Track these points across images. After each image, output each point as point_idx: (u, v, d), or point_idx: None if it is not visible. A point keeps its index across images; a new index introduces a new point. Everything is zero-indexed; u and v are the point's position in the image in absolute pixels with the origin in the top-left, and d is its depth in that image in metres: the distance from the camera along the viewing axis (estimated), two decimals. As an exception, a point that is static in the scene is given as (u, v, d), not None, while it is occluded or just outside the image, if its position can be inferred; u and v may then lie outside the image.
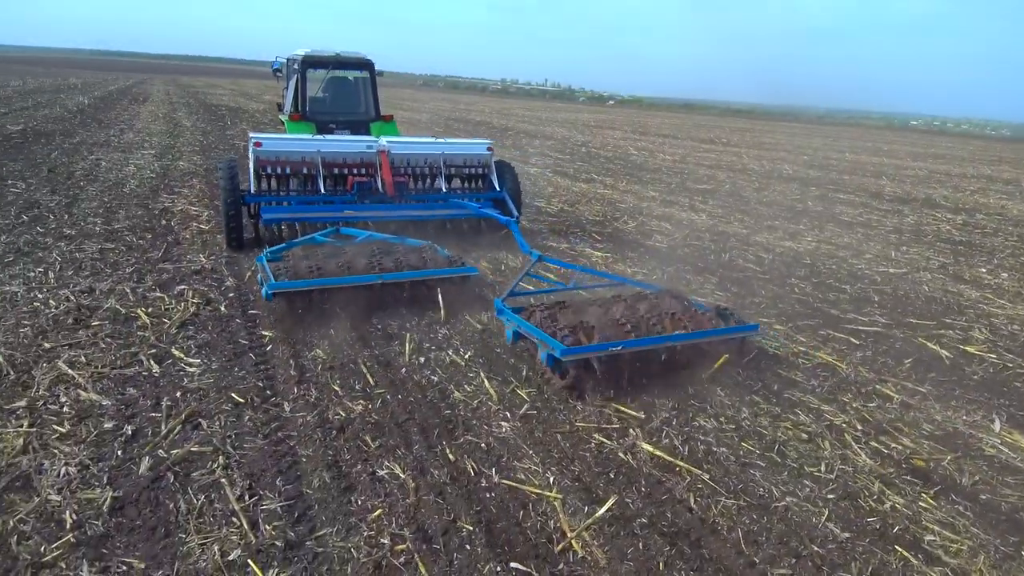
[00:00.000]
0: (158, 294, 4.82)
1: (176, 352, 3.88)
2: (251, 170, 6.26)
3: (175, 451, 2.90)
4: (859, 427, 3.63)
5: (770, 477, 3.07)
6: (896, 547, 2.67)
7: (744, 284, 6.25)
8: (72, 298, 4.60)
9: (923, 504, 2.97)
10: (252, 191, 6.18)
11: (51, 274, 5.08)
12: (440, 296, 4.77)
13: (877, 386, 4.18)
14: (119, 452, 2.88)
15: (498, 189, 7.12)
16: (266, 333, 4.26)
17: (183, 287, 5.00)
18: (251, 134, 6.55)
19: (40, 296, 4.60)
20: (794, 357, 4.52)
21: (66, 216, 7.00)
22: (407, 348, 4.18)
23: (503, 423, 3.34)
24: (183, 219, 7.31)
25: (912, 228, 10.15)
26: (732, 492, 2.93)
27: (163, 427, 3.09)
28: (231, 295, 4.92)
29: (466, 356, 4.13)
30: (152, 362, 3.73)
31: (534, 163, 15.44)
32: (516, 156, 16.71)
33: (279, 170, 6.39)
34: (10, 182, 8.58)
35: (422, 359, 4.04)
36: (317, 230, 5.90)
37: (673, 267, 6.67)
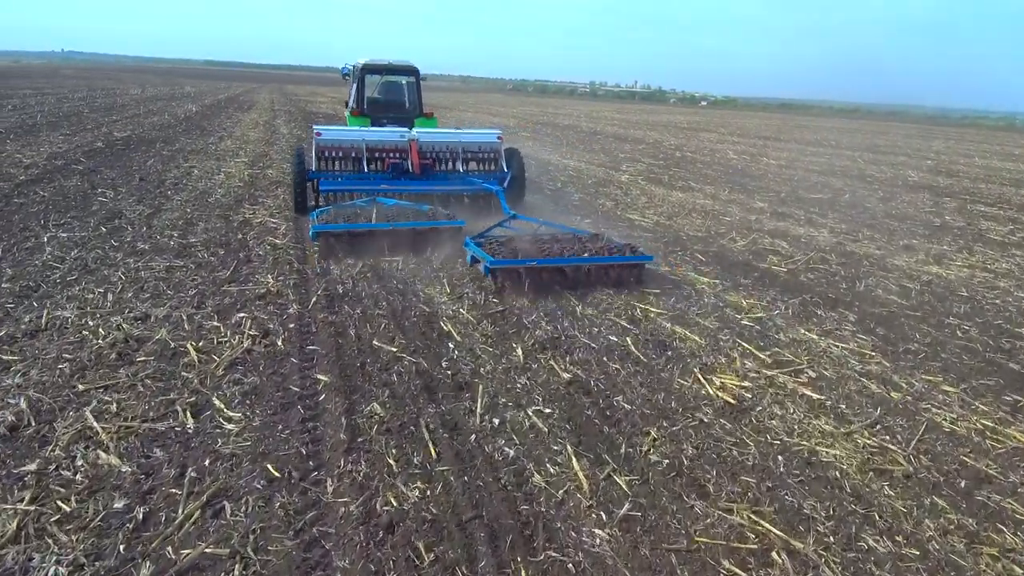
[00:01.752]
0: (215, 323, 4.38)
1: (217, 402, 3.36)
2: (314, 154, 8.06)
3: (185, 552, 2.32)
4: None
5: (988, 648, 2.12)
6: None
7: (891, 324, 5.13)
8: (123, 327, 4.22)
9: None
10: (314, 169, 8.02)
11: (110, 296, 4.77)
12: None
13: (1106, 484, 3.07)
14: (121, 547, 2.34)
15: (505, 171, 8.54)
16: (321, 378, 3.68)
17: (243, 315, 4.54)
18: (314, 126, 8.45)
19: (91, 324, 4.25)
20: (979, 437, 3.45)
21: (144, 228, 6.84)
22: (479, 403, 3.47)
23: (596, 530, 2.55)
24: (260, 232, 6.99)
25: (1087, 250, 8.47)
26: (936, 676, 2.01)
27: (180, 511, 2.53)
28: (291, 326, 4.41)
29: (549, 418, 3.37)
30: (188, 415, 3.22)
31: (625, 170, 14.48)
32: (605, 162, 15.80)
33: (334, 154, 8.10)
34: (100, 190, 8.66)
35: (496, 421, 3.32)
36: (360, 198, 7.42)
37: (798, 298, 5.62)
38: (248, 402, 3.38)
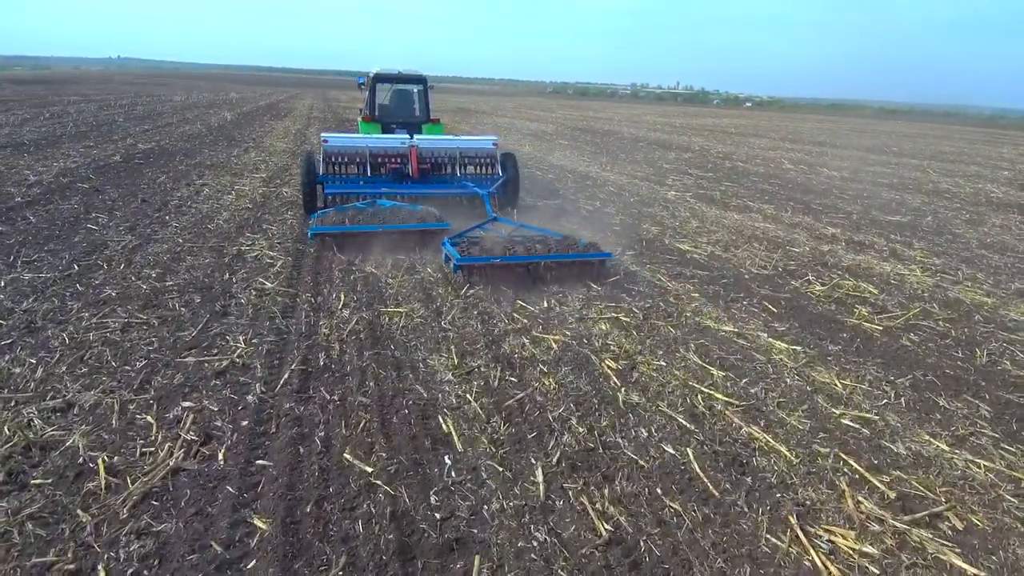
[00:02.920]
0: (148, 419, 3.40)
1: (103, 574, 2.36)
2: (321, 159, 8.56)
3: None
4: None
5: None
6: None
7: (1042, 423, 3.83)
8: (35, 423, 3.29)
9: None
10: (321, 173, 8.46)
11: (39, 372, 3.86)
12: None
13: None
14: None
15: (499, 174, 8.99)
16: (259, 525, 2.65)
17: (188, 404, 3.56)
18: (322, 134, 9.09)
19: (-5, 418, 3.33)
20: None
21: (122, 266, 5.99)
22: (477, 583, 2.38)
23: None
24: (251, 271, 6.07)
25: None
26: None
27: None
28: (244, 424, 3.40)
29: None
30: (54, 598, 2.24)
31: (671, 184, 13.21)
32: (649, 175, 14.53)
33: (340, 159, 8.63)
34: (94, 215, 7.90)
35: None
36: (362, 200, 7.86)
37: (907, 376, 4.36)
38: (145, 574, 2.37)
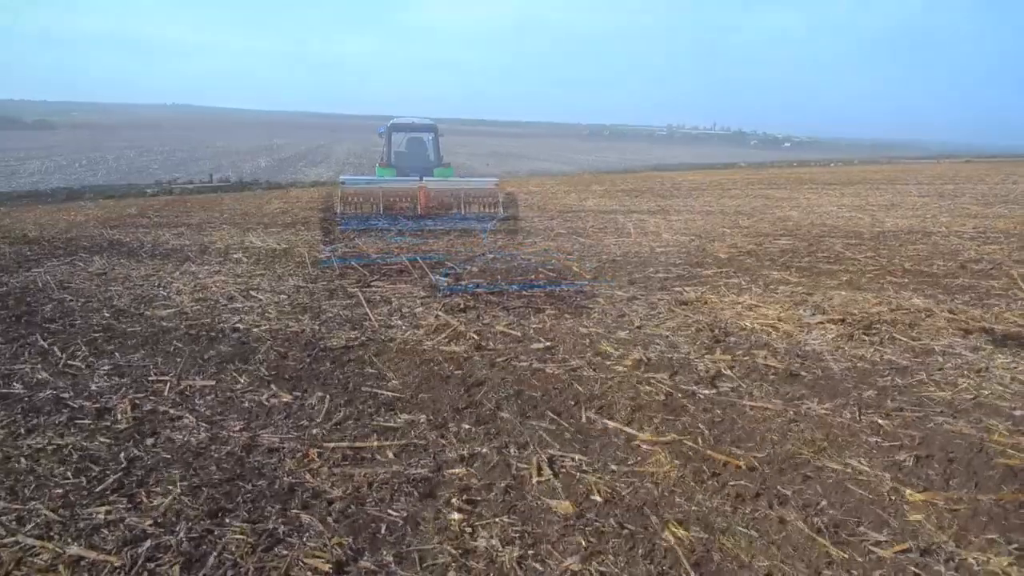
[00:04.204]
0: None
1: None
2: (339, 199, 10.31)
3: None
4: None
5: None
6: None
7: None
8: None
9: None
10: (339, 211, 10.20)
11: None
12: None
13: None
14: None
15: (501, 212, 10.20)
16: None
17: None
18: (341, 176, 11.38)
19: None
20: None
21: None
22: None
23: None
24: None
25: None
26: None
27: None
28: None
29: None
30: None
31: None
32: (701, 231, 13.22)
33: (357, 198, 10.30)
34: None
35: None
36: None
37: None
38: None
